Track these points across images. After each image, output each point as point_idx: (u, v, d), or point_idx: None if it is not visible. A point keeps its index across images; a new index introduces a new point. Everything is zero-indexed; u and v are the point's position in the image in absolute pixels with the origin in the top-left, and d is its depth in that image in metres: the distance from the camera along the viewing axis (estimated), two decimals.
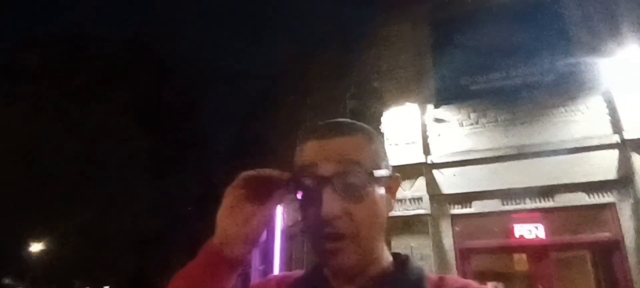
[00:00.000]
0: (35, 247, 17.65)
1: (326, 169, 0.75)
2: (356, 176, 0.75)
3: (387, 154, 0.86)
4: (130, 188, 18.11)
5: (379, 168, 0.79)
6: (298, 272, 0.91)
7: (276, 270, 11.43)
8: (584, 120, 6.34)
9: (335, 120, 0.85)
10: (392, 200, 0.83)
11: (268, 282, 0.93)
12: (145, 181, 18.73)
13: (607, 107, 6.27)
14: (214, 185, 23.95)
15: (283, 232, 11.78)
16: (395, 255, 0.86)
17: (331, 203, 0.73)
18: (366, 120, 8.15)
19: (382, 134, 7.22)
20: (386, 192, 0.81)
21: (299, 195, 0.78)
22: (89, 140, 15.99)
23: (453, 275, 0.81)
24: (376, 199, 0.77)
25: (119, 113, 16.79)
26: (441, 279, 0.80)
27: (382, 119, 7.36)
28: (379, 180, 0.78)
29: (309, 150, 0.80)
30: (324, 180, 0.74)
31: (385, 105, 7.47)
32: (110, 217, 17.37)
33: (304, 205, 0.78)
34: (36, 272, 18.48)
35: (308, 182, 0.77)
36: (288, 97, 13.24)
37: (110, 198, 17.35)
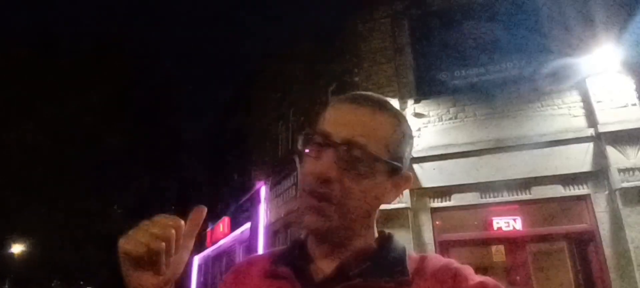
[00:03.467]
0: (15, 249, 17.36)
1: (338, 133, 0.75)
2: (363, 152, 0.74)
3: (409, 151, 0.84)
4: (107, 188, 17.81)
5: (394, 157, 0.78)
6: (273, 250, 0.91)
7: None
8: (559, 114, 6.47)
9: (373, 94, 0.84)
10: (395, 195, 0.82)
11: (251, 260, 0.92)
12: (122, 181, 18.44)
13: (582, 101, 6.42)
14: (192, 182, 23.77)
15: (266, 227, 11.75)
16: (380, 233, 0.85)
17: (328, 164, 0.73)
18: None
19: None
20: (392, 184, 0.80)
21: (309, 151, 0.78)
22: (60, 140, 15.65)
23: (435, 254, 0.81)
24: (376, 183, 0.77)
25: (92, 112, 16.47)
26: (423, 258, 0.79)
27: None
28: (386, 168, 0.77)
29: (334, 111, 0.80)
30: (331, 142, 0.75)
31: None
32: (87, 217, 17.07)
33: (307, 160, 0.78)
34: (16, 273, 18.16)
35: (319, 139, 0.77)
36: (266, 94, 13.19)
37: (86, 199, 17.04)
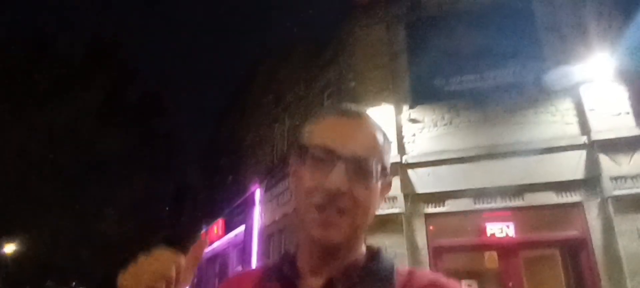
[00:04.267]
0: (8, 249, 17.26)
1: (344, 147, 0.77)
2: (369, 164, 0.78)
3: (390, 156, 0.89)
4: (101, 189, 17.73)
5: (385, 167, 0.82)
6: (270, 263, 0.91)
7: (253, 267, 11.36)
8: (553, 121, 6.51)
9: (358, 106, 0.88)
10: (381, 203, 0.85)
11: (241, 276, 0.94)
12: (116, 182, 18.36)
13: (575, 109, 6.47)
14: (187, 184, 23.71)
15: (261, 231, 11.72)
16: (368, 248, 0.87)
17: (341, 177, 0.75)
18: None
19: None
20: (381, 193, 0.84)
21: (308, 165, 0.79)
22: (55, 142, 15.57)
23: (423, 269, 0.83)
24: (376, 192, 0.80)
25: (86, 115, 16.39)
26: (411, 273, 0.81)
27: None
28: (382, 176, 0.81)
29: (330, 125, 0.82)
30: (338, 156, 0.76)
31: (361, 105, 7.49)
32: (81, 219, 16.99)
33: (309, 175, 0.78)
34: (8, 273, 18.04)
35: (321, 154, 0.78)
36: (262, 97, 13.19)
37: (80, 200, 16.95)
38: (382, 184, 0.82)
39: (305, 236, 0.81)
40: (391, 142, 0.89)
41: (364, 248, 0.85)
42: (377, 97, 7.43)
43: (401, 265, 0.85)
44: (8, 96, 14.86)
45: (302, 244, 0.84)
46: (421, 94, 7.31)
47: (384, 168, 0.81)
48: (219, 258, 16.02)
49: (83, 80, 16.67)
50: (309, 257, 0.82)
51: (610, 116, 6.20)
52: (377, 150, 0.80)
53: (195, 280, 19.04)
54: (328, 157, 0.77)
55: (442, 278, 0.78)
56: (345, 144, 0.78)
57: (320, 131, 0.82)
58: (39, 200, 15.69)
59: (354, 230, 0.78)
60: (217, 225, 15.63)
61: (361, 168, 0.77)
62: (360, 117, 0.83)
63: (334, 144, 0.78)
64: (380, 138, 0.82)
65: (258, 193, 12.18)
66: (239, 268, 13.16)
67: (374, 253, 0.84)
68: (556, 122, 6.48)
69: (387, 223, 6.25)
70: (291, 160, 0.87)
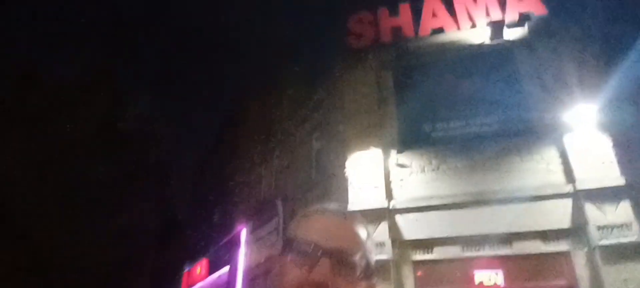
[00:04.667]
0: None
1: (328, 242, 0.81)
2: (353, 258, 0.82)
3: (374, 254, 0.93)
4: (85, 221, 17.32)
5: (369, 262, 0.87)
6: None
7: None
8: (539, 169, 6.57)
9: (342, 207, 0.94)
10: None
11: None
12: (104, 211, 17.97)
13: (560, 157, 6.54)
14: (174, 216, 23.26)
15: (245, 272, 11.44)
16: None
17: (325, 271, 0.78)
18: (331, 162, 8.17)
19: (346, 178, 7.23)
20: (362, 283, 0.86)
21: (293, 258, 0.82)
22: (44, 169, 15.29)
23: None
24: (359, 282, 0.83)
25: (76, 141, 16.20)
26: None
27: (347, 163, 7.39)
28: (366, 274, 0.84)
29: (315, 221, 0.87)
30: (323, 251, 0.79)
31: (349, 148, 7.51)
32: (69, 246, 16.51)
33: (295, 268, 0.81)
34: None
35: (306, 248, 0.81)
36: (250, 136, 13.17)
37: (68, 227, 16.52)
38: (366, 284, 0.85)
39: None
40: (373, 239, 0.92)
41: None
42: (365, 140, 7.46)
43: None
44: None
45: None
46: (409, 139, 7.36)
47: (368, 265, 0.85)
48: None
49: (74, 108, 16.54)
50: None
51: (594, 165, 6.28)
52: (361, 247, 0.84)
53: None
54: (313, 251, 0.80)
55: None
56: (330, 238, 0.81)
57: (306, 226, 0.86)
58: (21, 229, 15.26)
59: None
60: (201, 265, 15.25)
61: (345, 262, 0.80)
62: (344, 215, 0.88)
63: (318, 239, 0.81)
64: (364, 235, 0.86)
65: (244, 234, 11.96)
66: None
67: None
68: (542, 170, 6.54)
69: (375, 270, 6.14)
70: (278, 253, 0.90)
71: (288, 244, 0.86)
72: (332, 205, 0.92)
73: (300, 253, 0.82)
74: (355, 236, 0.86)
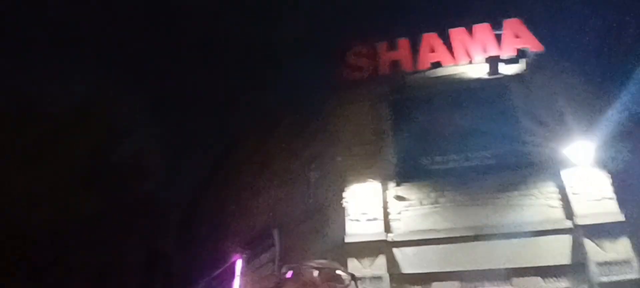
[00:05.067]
0: None
1: None
2: None
3: None
4: (73, 254, 16.98)
5: None
6: None
7: None
8: (537, 204, 6.54)
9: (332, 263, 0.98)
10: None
11: None
12: (89, 247, 17.62)
13: (559, 192, 6.52)
14: (160, 253, 22.85)
15: None
16: None
17: None
18: (328, 193, 8.10)
19: (343, 210, 7.15)
20: None
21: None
22: (28, 204, 15.06)
23: None
24: None
25: (62, 176, 16.02)
26: None
27: (344, 194, 7.32)
28: None
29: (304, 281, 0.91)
30: None
31: (347, 180, 7.46)
32: (49, 280, 16.10)
33: None
34: None
35: None
36: (245, 166, 13.11)
37: (51, 262, 16.15)
38: None
39: None
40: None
41: None
42: (363, 172, 7.42)
43: None
44: None
45: None
46: (407, 172, 7.33)
47: None
48: None
49: (64, 141, 16.42)
50: None
51: (593, 201, 6.26)
52: None
53: None
54: None
55: None
56: None
57: (295, 285, 0.90)
58: (6, 263, 14.90)
59: None
60: None
61: None
62: (332, 269, 0.94)
63: None
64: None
65: (239, 264, 11.75)
66: None
67: None
68: (541, 205, 6.51)
69: None
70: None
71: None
72: (319, 261, 0.96)
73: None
74: None
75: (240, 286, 11.50)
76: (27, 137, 15.95)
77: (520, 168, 6.78)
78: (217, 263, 13.92)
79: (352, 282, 0.93)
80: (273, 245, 9.68)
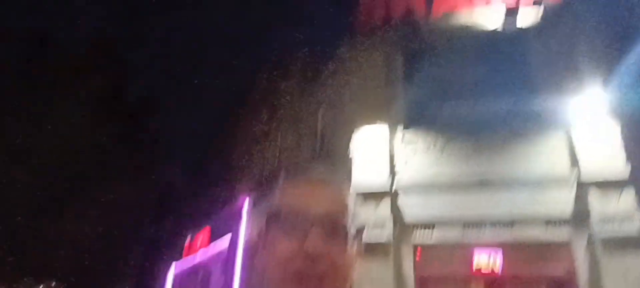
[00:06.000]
0: None
1: (319, 210, 0.77)
2: (345, 225, 0.78)
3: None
4: (82, 188, 17.46)
5: (359, 228, 0.83)
6: None
7: (236, 281, 11.22)
8: (544, 156, 6.52)
9: (326, 171, 0.89)
10: (355, 261, 0.82)
11: None
12: (98, 182, 18.08)
13: (567, 145, 6.48)
14: (172, 189, 23.44)
15: (246, 244, 11.57)
16: None
17: (318, 241, 0.74)
18: (337, 137, 8.14)
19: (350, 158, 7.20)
20: (356, 251, 0.82)
21: (282, 230, 0.78)
22: (36, 137, 15.31)
23: None
24: (352, 255, 0.80)
25: (73, 111, 16.17)
26: None
27: (352, 139, 7.35)
28: (355, 236, 0.80)
29: (303, 190, 0.82)
30: (314, 220, 0.75)
31: (356, 124, 7.47)
32: (60, 218, 16.70)
33: (285, 241, 0.77)
34: None
35: (295, 219, 0.77)
36: (257, 108, 13.12)
37: (60, 200, 16.67)
38: (357, 248, 0.81)
39: None
40: (359, 204, 0.89)
41: None
42: (371, 115, 7.40)
43: None
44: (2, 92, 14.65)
45: None
46: (415, 117, 7.31)
47: (358, 231, 0.82)
48: (201, 270, 15.78)
49: (80, 76, 16.45)
50: None
51: (600, 155, 6.23)
52: (350, 212, 0.81)
53: None
54: (303, 221, 0.76)
55: None
56: (320, 206, 0.77)
57: (293, 196, 0.82)
58: (17, 196, 15.38)
59: None
60: (203, 234, 15.44)
61: (337, 230, 0.76)
62: (332, 180, 0.84)
63: (308, 208, 0.77)
64: (349, 199, 0.83)
65: (246, 204, 12.05)
66: (222, 278, 12.97)
67: None
68: (547, 157, 6.49)
69: (374, 251, 6.18)
70: (262, 226, 0.88)
71: (275, 216, 0.82)
72: (319, 169, 0.89)
73: (288, 225, 0.78)
74: (344, 201, 0.82)
75: (247, 226, 11.86)
76: (42, 69, 15.97)
77: (530, 119, 6.70)
78: (226, 203, 14.29)
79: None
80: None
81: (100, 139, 16.91)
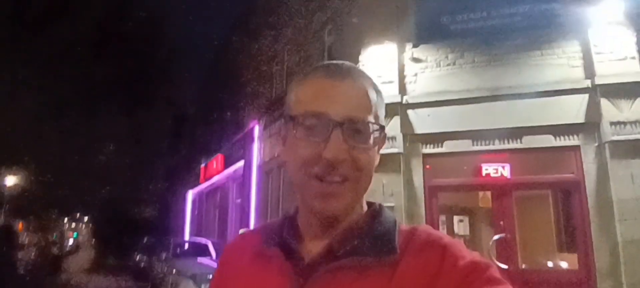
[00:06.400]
0: (8, 181, 17.43)
1: (337, 112, 0.72)
2: (365, 123, 0.74)
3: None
4: (98, 121, 17.74)
5: (381, 123, 0.78)
6: (267, 224, 0.88)
7: (252, 204, 11.67)
8: (558, 64, 6.41)
9: (344, 62, 0.81)
10: (378, 156, 0.80)
11: (243, 238, 0.91)
12: (113, 113, 18.30)
13: (582, 52, 6.34)
14: (185, 117, 23.71)
15: (260, 166, 11.89)
16: (369, 205, 0.83)
17: (339, 146, 0.71)
18: (344, 57, 8.04)
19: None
20: (378, 148, 0.79)
21: (301, 134, 0.74)
22: (48, 73, 15.33)
23: (426, 226, 0.78)
24: (374, 153, 0.76)
25: (79, 43, 16.00)
26: (413, 231, 0.77)
27: (360, 57, 7.26)
28: (379, 132, 0.76)
29: (316, 90, 0.76)
30: (333, 123, 0.72)
31: (363, 43, 7.34)
32: (80, 151, 17.14)
33: (304, 145, 0.74)
34: (11, 203, 18.38)
35: (314, 121, 0.73)
36: (261, 31, 12.87)
37: (78, 132, 17.01)
38: (378, 141, 0.78)
39: (305, 206, 0.78)
40: (383, 96, 0.82)
41: (364, 206, 0.82)
42: (380, 34, 7.25)
43: (399, 206, 0.84)
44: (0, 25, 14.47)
45: (301, 211, 0.82)
46: (426, 32, 7.13)
47: (380, 127, 0.77)
48: (219, 191, 16.36)
49: (80, 4, 16.12)
50: (309, 224, 0.79)
51: (615, 60, 6.11)
52: (372, 109, 0.76)
53: (196, 211, 19.58)
54: (322, 124, 0.72)
55: (444, 238, 0.74)
56: (339, 107, 0.73)
57: (309, 96, 0.76)
58: (36, 132, 15.72)
59: (356, 196, 0.76)
60: (217, 160, 15.83)
61: (359, 130, 0.73)
62: (350, 75, 0.77)
63: (327, 109, 0.72)
64: (373, 94, 0.77)
65: (257, 129, 12.23)
66: (238, 201, 13.48)
67: (376, 213, 0.80)
68: (562, 65, 6.38)
69: (385, 162, 6.31)
70: (280, 129, 0.82)
71: (292, 119, 0.75)
72: (334, 64, 0.80)
73: (307, 128, 0.73)
74: (366, 97, 0.76)
75: (259, 150, 12.11)
76: (37, 4, 15.66)
77: (545, 27, 6.51)
78: (236, 129, 14.49)
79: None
80: None
81: (105, 72, 16.85)
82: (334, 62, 0.81)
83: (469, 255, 0.70)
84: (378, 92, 0.79)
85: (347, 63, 0.81)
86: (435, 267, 0.68)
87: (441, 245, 0.72)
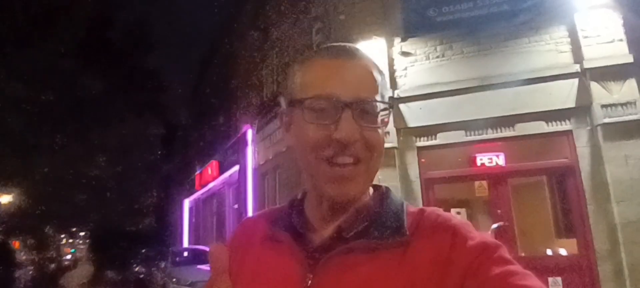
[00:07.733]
0: (3, 199, 17.28)
1: (346, 93, 0.72)
2: (374, 104, 0.73)
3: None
4: (89, 132, 17.59)
5: (385, 99, 0.77)
6: (274, 209, 0.88)
7: (250, 208, 11.62)
8: (546, 50, 6.43)
9: (346, 44, 0.80)
10: (386, 132, 0.80)
11: (251, 223, 0.90)
12: (103, 124, 18.14)
13: (570, 36, 6.37)
14: (177, 126, 23.62)
15: (255, 170, 11.85)
16: (375, 188, 0.83)
17: (350, 126, 0.70)
18: None
19: None
20: (383, 128, 0.78)
21: (308, 117, 0.73)
22: (33, 85, 15.16)
23: (434, 208, 0.77)
24: (382, 133, 0.76)
25: (65, 55, 15.85)
26: (421, 212, 0.76)
27: None
28: (385, 111, 0.76)
29: (323, 72, 0.75)
30: (343, 104, 0.71)
31: (351, 39, 7.31)
32: (71, 164, 16.98)
33: (313, 128, 0.73)
34: (4, 222, 18.22)
35: (322, 104, 0.72)
36: (249, 33, 12.82)
37: (68, 145, 16.87)
38: (385, 121, 0.78)
39: (317, 191, 0.77)
40: (385, 74, 0.81)
41: (370, 189, 0.81)
42: (367, 30, 7.23)
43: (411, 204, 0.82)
44: None
45: (311, 196, 0.81)
46: (413, 26, 7.12)
47: (388, 105, 0.77)
48: (215, 197, 16.30)
49: (63, 16, 15.95)
50: (319, 208, 0.78)
51: (603, 44, 6.13)
52: (378, 88, 0.76)
53: (193, 219, 19.50)
54: (331, 106, 0.71)
55: (453, 219, 0.74)
56: (348, 88, 0.72)
57: (315, 79, 0.75)
58: (26, 147, 15.56)
59: (369, 179, 0.76)
60: (211, 166, 15.76)
61: (367, 111, 0.72)
62: (355, 55, 0.76)
63: (336, 91, 0.72)
64: (377, 74, 0.77)
65: (250, 133, 12.19)
66: (235, 206, 13.43)
67: (383, 195, 0.80)
68: (550, 50, 6.40)
69: None
70: (283, 114, 0.81)
71: (298, 103, 0.74)
72: (338, 44, 0.79)
73: (315, 111, 0.72)
74: (371, 77, 0.75)
75: (253, 153, 12.07)
76: (21, 17, 15.48)
77: (531, 13, 6.53)
78: (229, 134, 14.44)
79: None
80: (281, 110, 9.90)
81: (92, 79, 16.67)
82: (336, 44, 0.80)
83: (479, 236, 0.70)
84: (381, 72, 0.79)
85: (348, 44, 0.80)
86: (445, 248, 0.68)
87: (451, 226, 0.71)
